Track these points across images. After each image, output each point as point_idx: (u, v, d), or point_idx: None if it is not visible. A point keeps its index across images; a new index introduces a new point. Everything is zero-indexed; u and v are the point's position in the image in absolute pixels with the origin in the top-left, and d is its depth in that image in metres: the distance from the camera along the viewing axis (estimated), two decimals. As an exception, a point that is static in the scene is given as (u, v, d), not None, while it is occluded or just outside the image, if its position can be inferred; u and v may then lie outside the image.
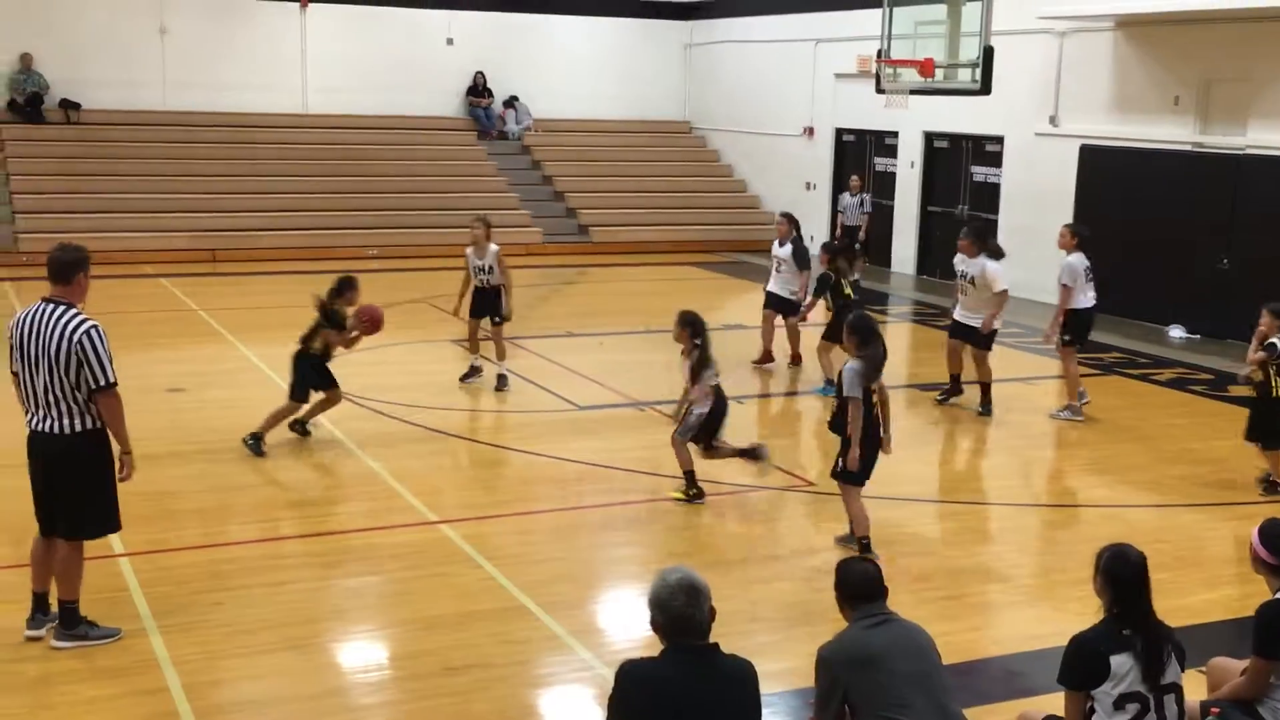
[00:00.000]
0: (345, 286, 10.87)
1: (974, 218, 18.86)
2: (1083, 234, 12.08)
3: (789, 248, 13.76)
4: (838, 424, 8.23)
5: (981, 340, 12.14)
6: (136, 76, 23.46)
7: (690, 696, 4.12)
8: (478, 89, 25.72)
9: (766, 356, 14.06)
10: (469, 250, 12.81)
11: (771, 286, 13.97)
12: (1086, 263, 11.89)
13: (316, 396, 10.72)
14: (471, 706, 6.22)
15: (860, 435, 7.99)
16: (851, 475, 8.14)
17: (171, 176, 22.32)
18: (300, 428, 10.74)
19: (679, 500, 9.36)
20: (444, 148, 24.97)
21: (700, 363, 9.19)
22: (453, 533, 8.60)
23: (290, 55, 24.54)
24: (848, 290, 12.80)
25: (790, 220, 13.94)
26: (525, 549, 8.43)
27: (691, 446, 9.34)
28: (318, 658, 6.78)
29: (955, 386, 12.58)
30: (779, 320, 13.99)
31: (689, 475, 9.34)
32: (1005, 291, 11.93)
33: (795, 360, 14.01)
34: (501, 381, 12.77)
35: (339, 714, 6.16)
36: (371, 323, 10.84)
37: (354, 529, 8.83)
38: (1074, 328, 11.99)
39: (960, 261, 12.22)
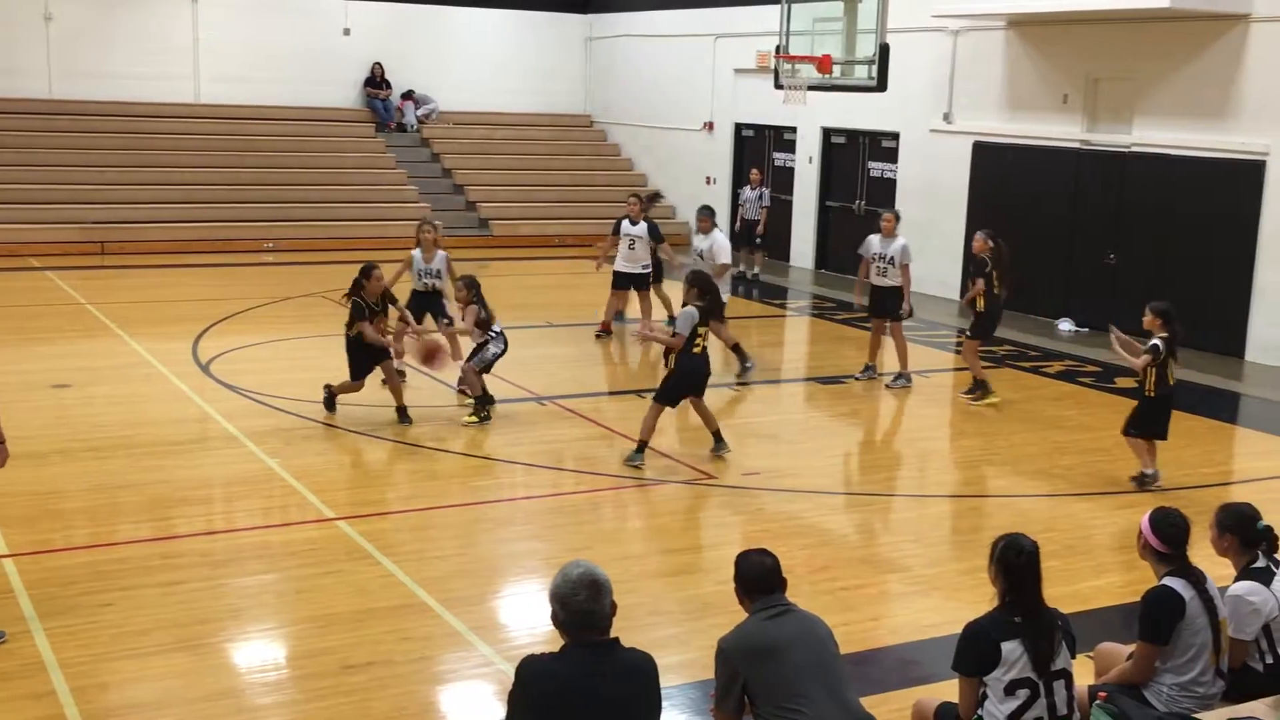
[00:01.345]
0: (363, 275, 11.12)
1: (872, 212, 19.12)
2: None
3: (644, 225, 14.75)
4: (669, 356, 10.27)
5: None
6: (20, 64, 22.76)
7: (590, 691, 4.12)
8: (375, 80, 25.41)
9: (606, 328, 15.17)
10: (415, 253, 12.66)
11: (621, 266, 14.95)
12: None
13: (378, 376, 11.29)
14: (371, 704, 6.15)
15: (675, 368, 9.98)
16: (663, 396, 10.14)
17: (58, 167, 21.71)
18: (402, 415, 11.13)
19: (472, 423, 10.80)
20: (341, 139, 24.62)
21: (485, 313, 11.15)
22: (351, 529, 8.50)
23: (182, 44, 23.99)
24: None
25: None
26: (425, 545, 8.36)
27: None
28: (212, 658, 6.65)
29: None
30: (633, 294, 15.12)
31: (481, 399, 11.10)
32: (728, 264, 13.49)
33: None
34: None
35: (233, 715, 6.05)
36: (425, 356, 11.35)
37: (250, 527, 8.68)
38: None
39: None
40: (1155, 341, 9.79)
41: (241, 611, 7.28)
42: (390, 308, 11.37)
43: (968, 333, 12.73)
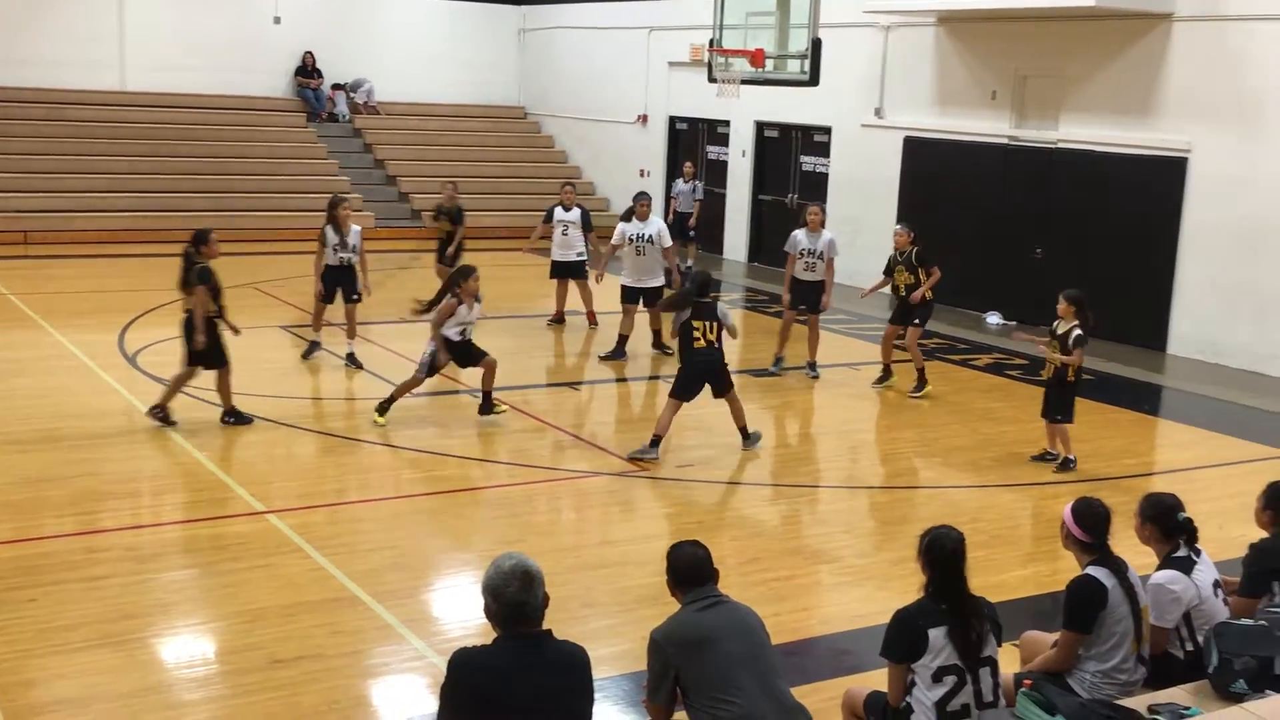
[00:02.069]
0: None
1: (804, 206, 19.23)
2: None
3: (577, 211, 14.94)
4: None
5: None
6: (-61, 49, 22.29)
7: (522, 684, 4.12)
8: (307, 70, 25.13)
9: (559, 317, 15.43)
10: (328, 229, 12.69)
11: (556, 255, 15.00)
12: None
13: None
14: (300, 699, 6.11)
15: (681, 364, 10.22)
16: (676, 392, 10.22)
17: (-21, 154, 21.27)
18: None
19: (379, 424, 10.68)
20: (271, 129, 24.32)
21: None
22: (281, 523, 8.42)
23: (108, 30, 23.55)
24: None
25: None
26: (356, 538, 8.30)
27: None
28: (138, 654, 6.57)
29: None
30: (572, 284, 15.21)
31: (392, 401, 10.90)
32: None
33: (592, 320, 15.05)
34: (352, 360, 12.81)
35: (160, 711, 5.97)
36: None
37: (177, 521, 8.57)
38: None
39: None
40: (1079, 332, 10.08)
41: (168, 606, 7.19)
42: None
43: (916, 321, 12.65)
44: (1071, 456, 10.37)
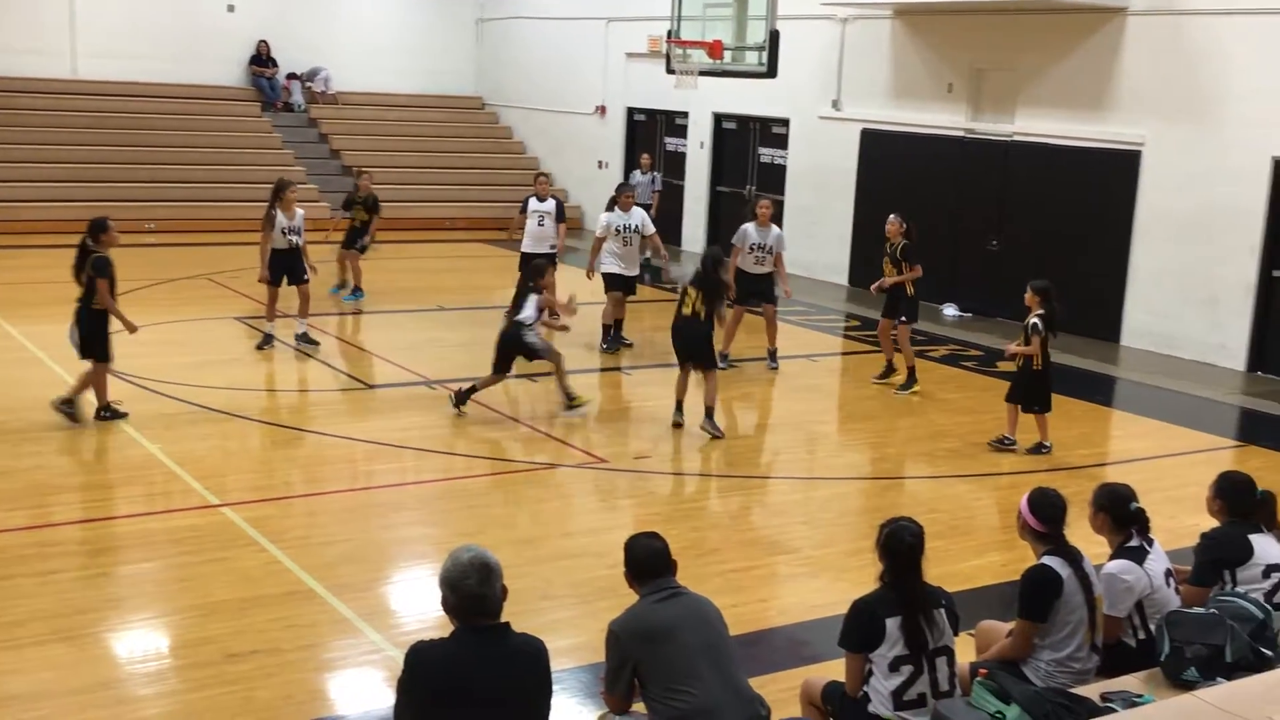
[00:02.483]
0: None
1: (760, 197, 19.25)
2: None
3: (552, 202, 14.65)
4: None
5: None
6: (-116, 35, 21.90)
7: (480, 676, 4.10)
8: (261, 58, 24.90)
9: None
10: (278, 213, 12.68)
11: (529, 246, 14.46)
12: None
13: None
14: (255, 693, 6.06)
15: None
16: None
17: (-74, 143, 20.94)
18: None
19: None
20: (226, 118, 24.05)
21: None
22: (236, 516, 8.35)
23: (58, 18, 23.20)
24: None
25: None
26: (312, 531, 8.25)
27: None
28: (91, 649, 6.49)
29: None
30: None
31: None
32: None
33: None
34: (304, 339, 12.87)
35: (113, 706, 5.91)
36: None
37: (130, 514, 8.48)
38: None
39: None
40: (1034, 320, 10.27)
41: (121, 601, 7.11)
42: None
43: (903, 319, 12.63)
44: (1047, 443, 10.60)
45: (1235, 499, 5.90)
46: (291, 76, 25.14)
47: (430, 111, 26.29)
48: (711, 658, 4.73)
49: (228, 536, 8.01)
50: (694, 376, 10.95)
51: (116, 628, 6.80)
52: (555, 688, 4.39)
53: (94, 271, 10.00)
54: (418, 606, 7.13)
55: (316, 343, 13.00)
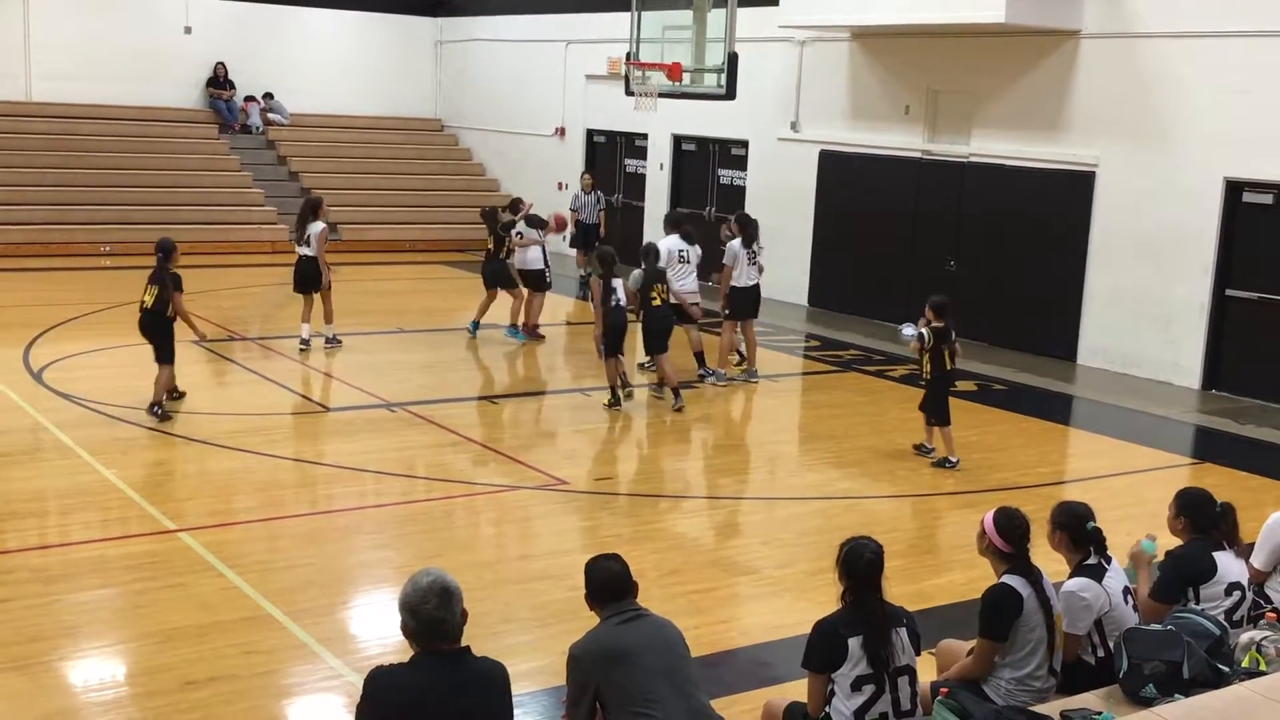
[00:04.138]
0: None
1: (722, 219, 19.33)
2: (744, 222, 13.78)
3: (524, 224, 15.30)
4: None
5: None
6: None
7: (440, 701, 4.07)
8: (219, 80, 24.77)
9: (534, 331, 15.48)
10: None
11: (531, 266, 15.17)
12: (746, 249, 13.57)
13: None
14: (214, 721, 6.00)
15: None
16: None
17: (-124, 165, 20.66)
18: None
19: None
20: (183, 140, 23.89)
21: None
22: (193, 541, 8.27)
23: (12, 40, 23.00)
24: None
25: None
26: (271, 556, 8.18)
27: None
28: (44, 678, 6.40)
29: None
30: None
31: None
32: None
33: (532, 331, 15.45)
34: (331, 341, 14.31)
35: (69, 736, 5.83)
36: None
37: (86, 540, 8.37)
38: (734, 303, 13.58)
39: (681, 244, 13.84)
40: (920, 330, 10.83)
41: (76, 629, 7.02)
42: None
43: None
44: (952, 458, 10.74)
45: (1197, 515, 5.95)
46: (249, 99, 25.02)
47: (390, 133, 26.25)
48: (673, 680, 4.72)
49: (185, 562, 7.93)
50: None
51: (71, 656, 6.70)
52: (517, 712, 4.37)
53: (174, 286, 11.12)
54: (377, 631, 7.08)
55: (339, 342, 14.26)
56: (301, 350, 14.02)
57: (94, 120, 23.27)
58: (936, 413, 10.92)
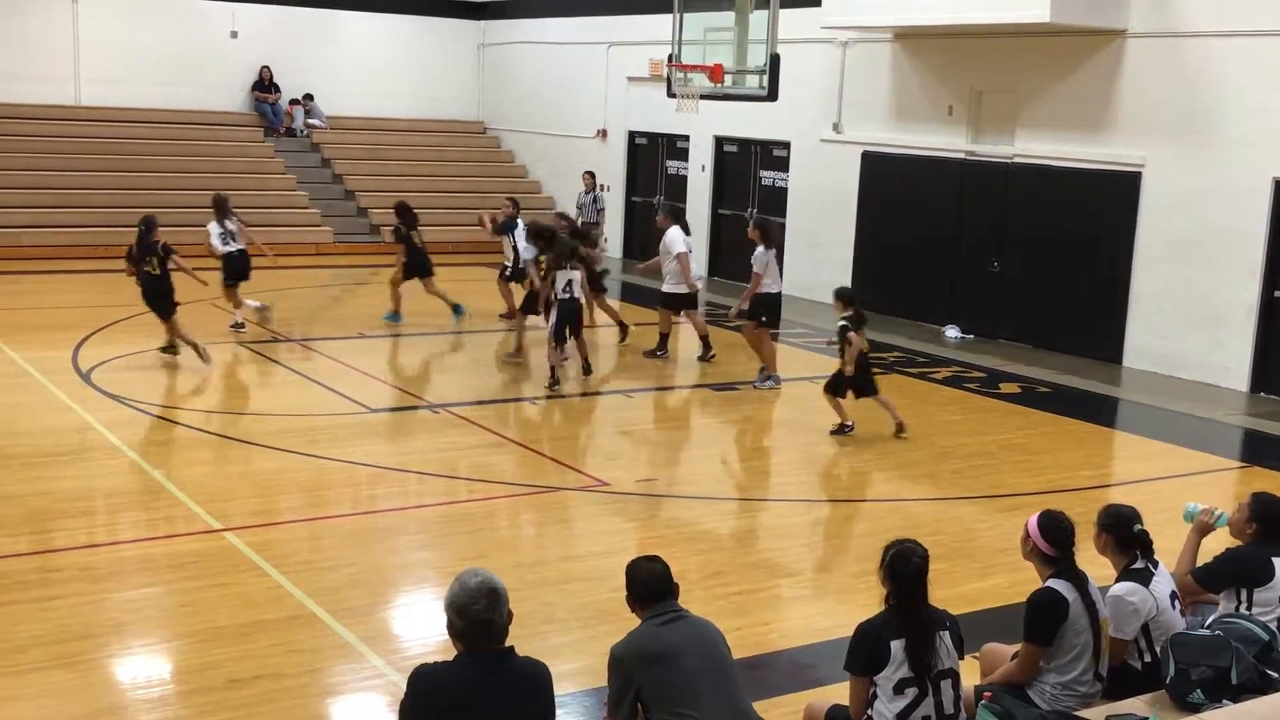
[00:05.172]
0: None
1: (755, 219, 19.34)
2: (764, 228, 13.78)
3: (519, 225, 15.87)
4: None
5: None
6: (-112, 62, 21.98)
7: (483, 700, 4.09)
8: (264, 84, 24.99)
9: (512, 313, 15.57)
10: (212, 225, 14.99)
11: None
12: (773, 253, 13.64)
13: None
14: (258, 719, 6.04)
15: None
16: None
17: (-71, 169, 20.99)
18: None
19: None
20: (228, 144, 24.12)
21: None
22: (238, 541, 8.34)
23: (62, 44, 23.32)
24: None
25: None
26: (315, 555, 8.23)
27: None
28: (93, 675, 6.47)
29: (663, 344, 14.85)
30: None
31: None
32: (683, 254, 14.28)
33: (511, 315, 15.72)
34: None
35: (116, 733, 5.90)
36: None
37: (133, 539, 8.46)
38: (768, 309, 13.65)
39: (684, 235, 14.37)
40: (842, 322, 11.44)
41: (123, 626, 7.09)
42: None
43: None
44: (848, 424, 11.61)
45: (1272, 525, 5.81)
46: (294, 102, 25.24)
47: (432, 136, 26.39)
48: (714, 681, 4.71)
49: (230, 561, 8.00)
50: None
51: (119, 653, 6.78)
52: (558, 712, 4.37)
53: (165, 252, 13.08)
54: (420, 631, 7.12)
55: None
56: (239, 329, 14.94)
57: (142, 124, 23.53)
58: (865, 388, 11.55)
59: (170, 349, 13.23)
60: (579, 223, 20.28)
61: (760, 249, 13.37)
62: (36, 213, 20.94)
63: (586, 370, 13.51)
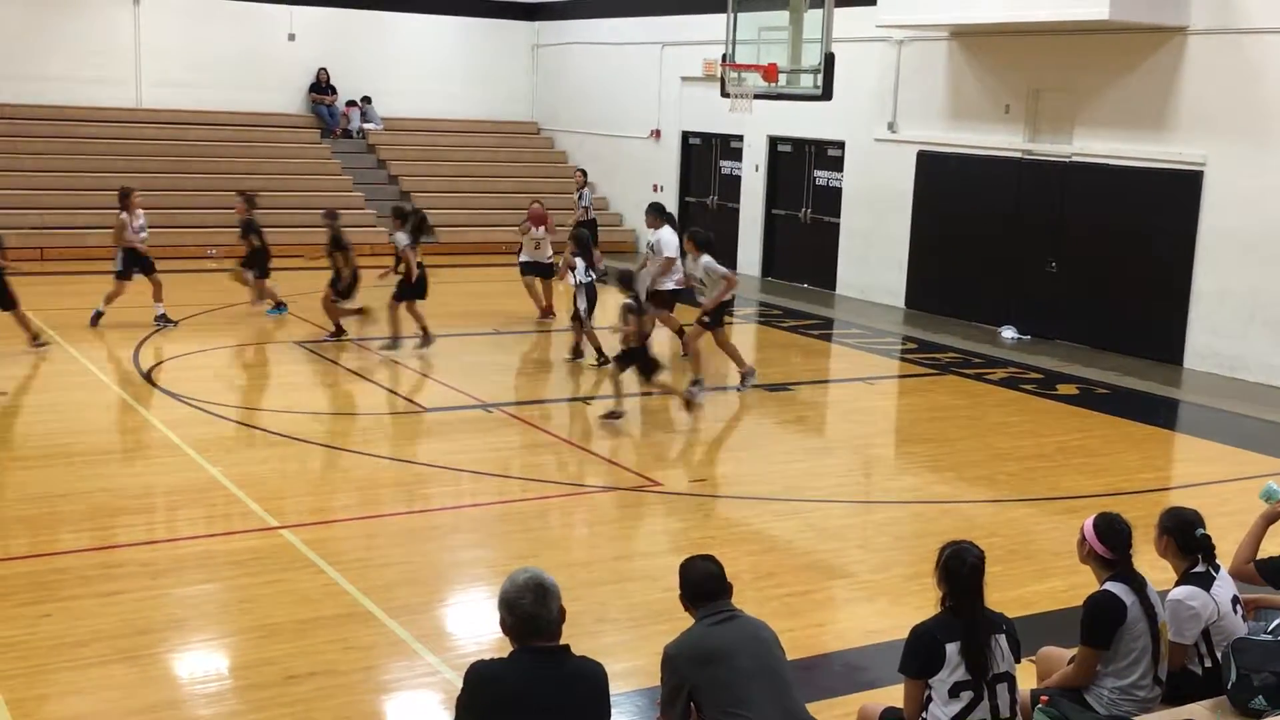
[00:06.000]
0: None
1: (818, 221, 19.25)
2: (698, 239, 13.22)
3: (542, 229, 16.39)
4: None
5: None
6: (-45, 67, 22.41)
7: (538, 697, 4.10)
8: (321, 86, 25.23)
9: (547, 311, 16.53)
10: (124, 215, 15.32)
11: (526, 256, 16.63)
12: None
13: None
14: (314, 715, 6.09)
15: None
16: None
17: (-5, 171, 21.37)
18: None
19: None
20: (286, 145, 24.41)
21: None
22: (295, 538, 8.42)
23: (123, 47, 23.69)
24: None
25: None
26: (370, 553, 8.29)
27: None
28: (152, 669, 6.56)
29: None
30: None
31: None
32: (673, 258, 14.03)
33: (549, 313, 16.55)
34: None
35: (174, 727, 5.97)
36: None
37: (192, 536, 8.57)
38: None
39: (689, 264, 13.57)
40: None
41: (182, 622, 7.18)
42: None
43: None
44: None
45: None
46: (350, 104, 25.46)
47: (486, 136, 26.51)
48: (767, 681, 4.69)
49: (286, 558, 8.08)
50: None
51: (178, 648, 6.87)
52: (614, 711, 4.37)
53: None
54: (474, 629, 7.15)
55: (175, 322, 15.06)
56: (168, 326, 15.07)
57: (201, 126, 23.82)
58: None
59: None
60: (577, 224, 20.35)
61: (706, 258, 12.85)
62: (99, 214, 21.20)
63: (575, 355, 14.19)
